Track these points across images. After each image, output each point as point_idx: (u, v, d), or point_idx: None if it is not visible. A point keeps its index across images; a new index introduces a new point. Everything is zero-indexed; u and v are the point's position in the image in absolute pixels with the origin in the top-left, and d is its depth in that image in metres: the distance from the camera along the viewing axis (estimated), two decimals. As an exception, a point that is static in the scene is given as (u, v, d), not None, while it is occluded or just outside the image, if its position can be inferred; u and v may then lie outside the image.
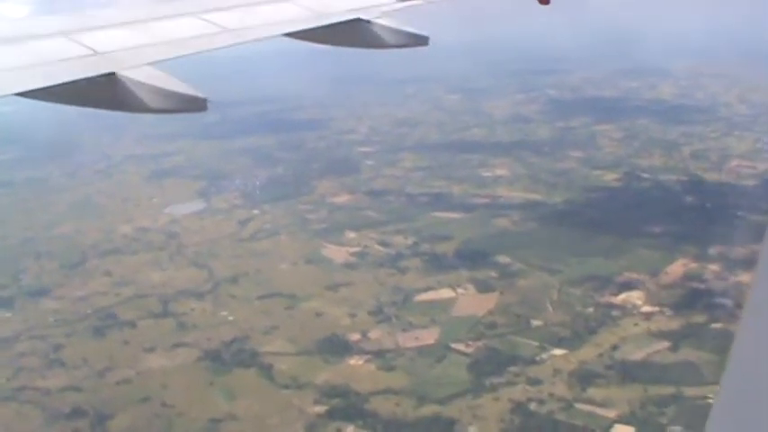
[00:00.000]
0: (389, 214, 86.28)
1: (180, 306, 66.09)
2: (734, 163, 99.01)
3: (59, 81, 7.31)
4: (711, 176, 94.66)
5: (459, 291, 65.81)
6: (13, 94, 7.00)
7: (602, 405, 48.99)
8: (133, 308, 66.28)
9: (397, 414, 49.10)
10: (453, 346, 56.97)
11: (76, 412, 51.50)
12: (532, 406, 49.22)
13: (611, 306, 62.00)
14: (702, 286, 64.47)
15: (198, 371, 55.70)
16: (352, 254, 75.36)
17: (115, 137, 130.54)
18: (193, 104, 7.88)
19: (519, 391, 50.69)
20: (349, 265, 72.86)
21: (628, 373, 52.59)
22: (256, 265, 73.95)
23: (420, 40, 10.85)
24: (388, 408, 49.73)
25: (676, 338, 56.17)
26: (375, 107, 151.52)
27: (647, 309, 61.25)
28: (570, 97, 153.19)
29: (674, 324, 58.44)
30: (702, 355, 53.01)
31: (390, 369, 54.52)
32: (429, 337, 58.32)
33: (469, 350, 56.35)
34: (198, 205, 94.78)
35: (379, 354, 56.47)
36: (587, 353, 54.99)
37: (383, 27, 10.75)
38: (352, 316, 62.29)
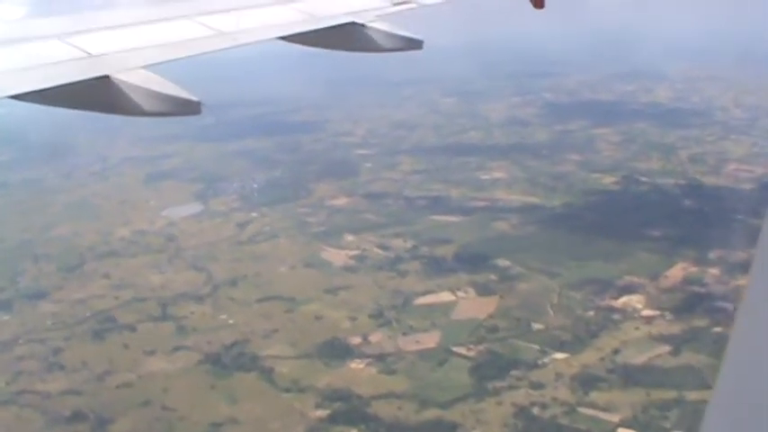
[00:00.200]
0: (388, 217, 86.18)
1: (179, 309, 65.87)
2: (732, 167, 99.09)
3: (53, 84, 7.21)
4: (709, 180, 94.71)
5: (460, 294, 65.70)
6: (6, 97, 6.88)
7: (604, 409, 48.87)
8: (132, 311, 66.04)
9: (399, 418, 48.94)
10: (454, 349, 56.88)
11: (77, 416, 51.29)
12: (535, 410, 49.12)
13: (612, 310, 61.94)
14: (703, 290, 64.43)
15: (199, 374, 55.50)
16: (352, 257, 75.22)
17: (110, 139, 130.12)
18: (188, 108, 7.73)
19: (522, 395, 50.58)
20: (348, 269, 72.73)
21: (630, 376, 52.51)
22: (255, 268, 73.76)
23: (414, 44, 10.70)
24: (390, 412, 49.58)
25: (677, 342, 56.09)
26: (371, 110, 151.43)
27: (647, 312, 61.21)
28: (567, 100, 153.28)
29: (675, 328, 58.38)
30: (704, 360, 52.89)
31: (392, 373, 54.36)
32: (430, 340, 58.19)
33: (471, 354, 56.25)
34: (195, 208, 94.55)
35: (380, 357, 56.32)
36: (589, 357, 54.92)
37: (377, 31, 10.60)
38: (353, 319, 62.15)
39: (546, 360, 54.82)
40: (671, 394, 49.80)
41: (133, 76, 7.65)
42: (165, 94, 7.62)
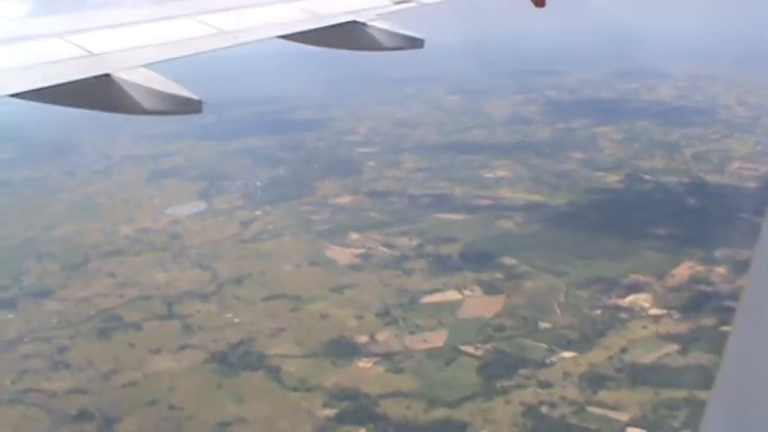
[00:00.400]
0: (392, 215, 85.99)
1: (185, 308, 65.65)
2: (735, 165, 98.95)
3: (54, 82, 7.23)
4: (713, 178, 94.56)
5: (466, 293, 65.47)
6: (8, 96, 6.91)
7: (613, 408, 48.64)
8: (137, 309, 65.81)
9: (407, 417, 48.68)
10: (462, 348, 56.65)
11: (83, 415, 51.01)
12: (544, 409, 48.85)
13: (619, 308, 61.74)
14: (710, 289, 64.21)
15: (205, 373, 55.23)
16: (357, 255, 75.02)
17: (112, 137, 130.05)
18: (189, 106, 7.79)
19: (530, 395, 50.36)
20: (353, 267, 72.53)
21: (638, 376, 52.27)
22: (260, 266, 73.54)
23: (415, 43, 10.76)
24: (399, 411, 49.32)
25: (685, 341, 55.90)
26: (374, 107, 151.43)
27: (654, 311, 60.99)
28: (569, 98, 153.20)
29: (683, 327, 58.17)
30: (712, 359, 52.59)
31: (399, 371, 54.13)
32: (437, 339, 57.96)
33: (478, 353, 56.03)
34: (199, 206, 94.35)
35: (387, 356, 56.07)
36: (597, 356, 54.70)
37: (378, 29, 10.65)
38: (359, 318, 61.93)
39: (554, 359, 54.58)
40: (680, 393, 49.56)
41: (134, 75, 7.70)
42: (167, 92, 7.68)
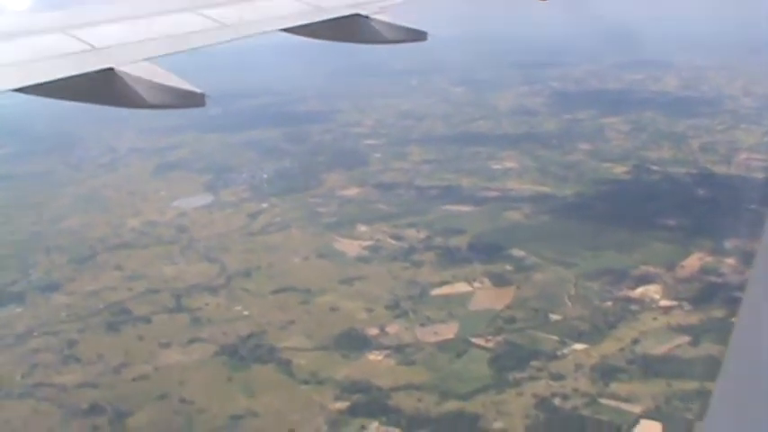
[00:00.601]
0: (400, 207, 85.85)
1: (193, 301, 65.51)
2: (743, 156, 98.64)
3: (57, 77, 7.19)
4: (721, 169, 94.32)
5: (476, 285, 65.30)
6: (11, 90, 6.92)
7: (626, 400, 48.42)
8: (146, 303, 65.67)
9: (420, 410, 48.48)
10: (473, 340, 56.43)
11: (94, 409, 50.79)
12: (557, 401, 48.63)
13: (629, 300, 61.53)
14: (720, 280, 63.96)
15: (216, 366, 55.04)
16: (365, 247, 74.86)
17: (117, 130, 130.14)
18: (192, 100, 7.67)
19: (542, 387, 50.14)
20: (362, 259, 72.36)
21: (650, 367, 52.04)
22: (268, 258, 73.39)
23: (418, 36, 10.67)
24: (411, 403, 49.13)
25: (697, 333, 55.65)
26: (379, 99, 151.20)
27: (665, 303, 60.79)
28: (574, 89, 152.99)
29: (694, 318, 57.93)
30: (724, 350, 51.76)
31: (411, 364, 53.91)
32: (448, 331, 57.76)
33: (490, 345, 55.82)
34: (206, 199, 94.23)
35: (398, 349, 55.89)
36: (608, 347, 54.49)
37: (381, 22, 10.59)
38: (369, 310, 61.74)
39: (565, 351, 54.37)
40: (692, 385, 49.31)
41: (137, 69, 7.65)
42: (169, 86, 7.61)
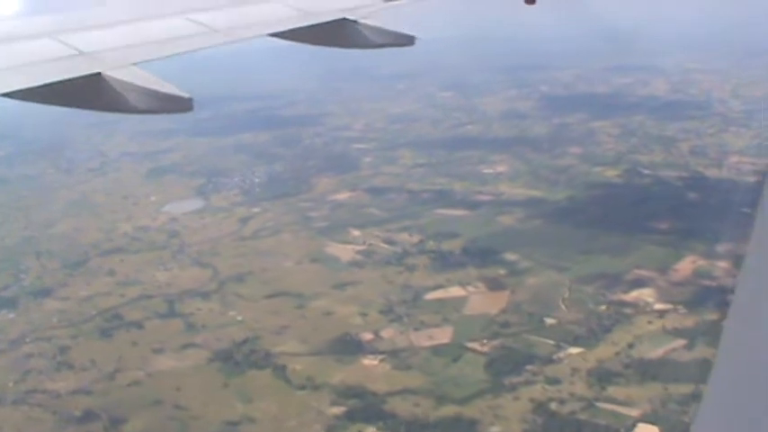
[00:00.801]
0: (392, 212, 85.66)
1: (186, 306, 65.19)
2: (734, 159, 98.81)
3: (45, 81, 7.27)
4: (712, 173, 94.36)
5: (470, 289, 65.19)
6: None
7: (623, 404, 48.45)
8: (139, 308, 65.32)
9: (417, 415, 48.36)
10: (468, 345, 56.33)
11: (88, 416, 50.53)
12: (553, 406, 48.61)
13: (624, 304, 61.55)
14: (714, 283, 64.01)
15: (210, 372, 54.79)
16: (358, 252, 74.63)
17: (106, 134, 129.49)
18: (179, 104, 7.76)
19: (539, 391, 50.10)
20: (355, 264, 72.15)
21: (646, 371, 52.07)
22: (261, 263, 73.12)
23: (406, 40, 10.81)
24: (408, 408, 49.01)
25: (692, 336, 55.68)
26: (367, 103, 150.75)
27: (659, 306, 60.83)
28: (563, 93, 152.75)
29: (689, 322, 57.96)
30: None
31: (406, 369, 53.79)
32: (443, 335, 57.68)
33: (485, 349, 55.74)
34: (197, 203, 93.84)
35: (393, 353, 55.76)
36: (604, 351, 54.48)
37: (369, 27, 10.69)
38: (363, 315, 61.55)
39: (561, 355, 54.33)
40: (689, 388, 49.33)
41: (125, 74, 7.74)
42: (157, 90, 7.68)
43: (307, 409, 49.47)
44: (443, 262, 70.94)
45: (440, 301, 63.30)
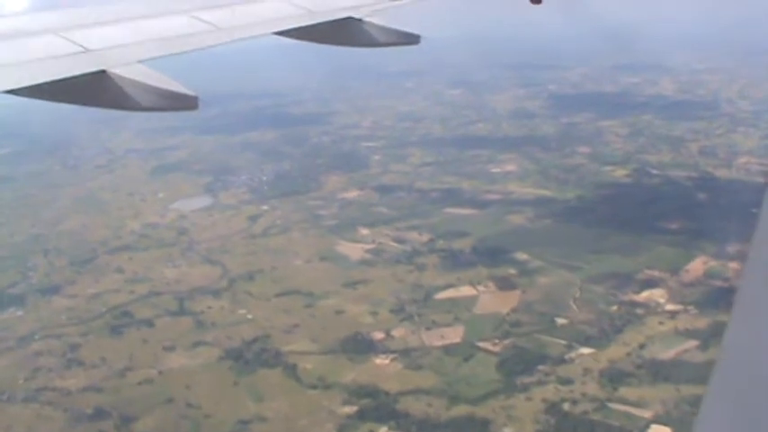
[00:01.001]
0: (401, 210, 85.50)
1: (196, 304, 64.99)
2: (743, 159, 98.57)
3: (49, 79, 7.21)
4: (722, 173, 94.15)
5: (480, 288, 64.97)
6: (2, 92, 6.96)
7: (636, 405, 48.17)
8: (149, 306, 65.16)
9: (429, 414, 48.13)
10: (480, 344, 56.08)
11: (99, 414, 50.32)
12: (566, 406, 48.35)
13: (635, 304, 61.31)
14: (725, 284, 63.70)
15: (221, 371, 54.59)
16: (368, 250, 74.46)
17: (112, 131, 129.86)
18: (184, 102, 7.73)
19: (551, 391, 49.85)
20: (365, 262, 71.97)
21: (658, 372, 51.81)
22: (271, 261, 72.93)
23: (411, 39, 10.80)
24: (420, 408, 48.77)
25: (704, 337, 55.36)
26: (375, 101, 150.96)
27: (671, 307, 60.60)
28: (572, 92, 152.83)
29: (701, 323, 57.70)
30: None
31: (418, 368, 53.57)
32: (454, 335, 57.44)
33: (497, 349, 55.49)
34: (205, 201, 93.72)
35: (404, 353, 55.52)
36: (616, 352, 54.21)
37: (374, 26, 10.67)
38: (374, 314, 61.35)
39: (572, 355, 54.09)
40: (702, 390, 48.68)
41: (130, 71, 7.68)
42: (162, 88, 7.63)
43: (318, 409, 49.25)
44: (453, 261, 70.74)
45: (451, 300, 63.06)
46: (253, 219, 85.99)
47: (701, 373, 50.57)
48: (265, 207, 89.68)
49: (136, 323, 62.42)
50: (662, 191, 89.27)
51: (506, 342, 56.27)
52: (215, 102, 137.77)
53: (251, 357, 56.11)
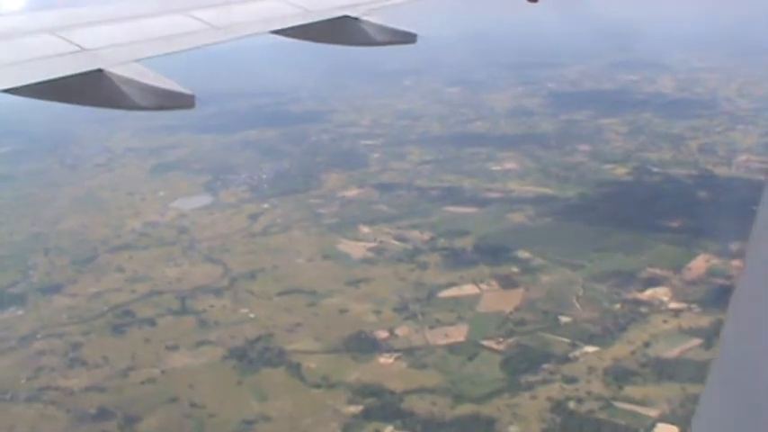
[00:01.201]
0: (402, 208, 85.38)
1: (198, 303, 64.76)
2: (743, 157, 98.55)
3: (46, 78, 7.20)
4: (722, 171, 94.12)
5: (483, 287, 64.81)
6: None
7: (641, 404, 48.04)
8: (150, 305, 64.91)
9: (434, 413, 47.95)
10: (484, 343, 55.94)
11: (103, 413, 50.05)
12: (572, 405, 48.22)
13: (638, 302, 61.23)
14: (728, 282, 63.54)
15: (224, 370, 54.36)
16: (369, 249, 74.33)
17: (110, 130, 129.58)
18: (181, 101, 7.71)
19: (556, 390, 49.71)
20: (367, 261, 71.81)
21: (663, 370, 51.67)
22: (272, 260, 72.72)
23: (407, 38, 10.73)
24: (425, 407, 48.58)
25: (708, 335, 55.23)
26: (373, 100, 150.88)
27: (674, 305, 60.49)
28: (570, 90, 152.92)
29: (704, 321, 57.55)
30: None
31: (422, 367, 53.39)
32: (458, 334, 57.26)
33: (501, 347, 55.34)
34: (205, 199, 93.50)
35: (408, 351, 55.35)
36: (620, 350, 54.10)
37: (371, 24, 10.62)
38: (377, 312, 61.21)
39: (577, 353, 53.94)
40: (706, 389, 48.90)
41: (126, 70, 7.66)
42: (158, 87, 7.62)
43: (323, 408, 49.06)
44: (455, 259, 70.62)
45: (454, 298, 62.92)
46: (253, 217, 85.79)
47: (705, 372, 50.28)
48: (266, 205, 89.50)
49: (138, 322, 62.18)
50: (662, 189, 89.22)
51: (510, 341, 56.13)
52: (212, 100, 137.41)
53: (254, 356, 55.90)
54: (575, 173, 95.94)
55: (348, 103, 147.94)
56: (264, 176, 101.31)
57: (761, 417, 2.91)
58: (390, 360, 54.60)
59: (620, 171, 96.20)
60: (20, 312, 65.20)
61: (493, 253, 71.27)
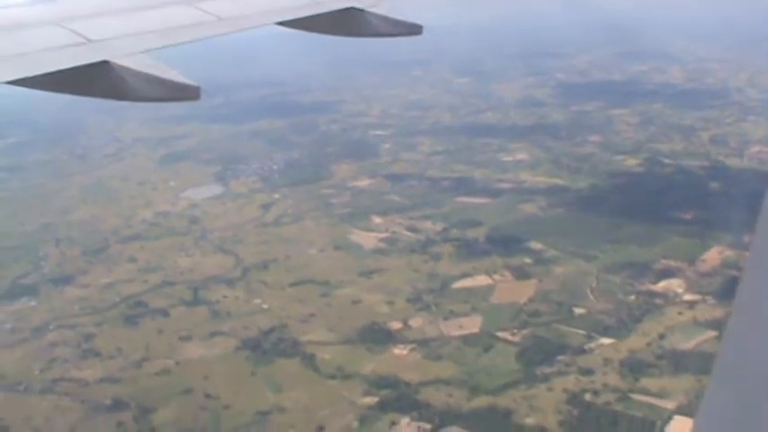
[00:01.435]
0: (414, 199, 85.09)
1: (211, 293, 64.65)
2: (755, 149, 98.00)
3: (52, 69, 7.23)
4: (734, 162, 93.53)
5: (497, 278, 64.58)
6: (5, 83, 6.94)
7: (658, 396, 47.76)
8: (163, 295, 64.81)
9: (450, 405, 47.76)
10: (498, 334, 55.72)
11: (118, 405, 49.97)
12: (588, 396, 48.00)
13: (653, 294, 60.94)
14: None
15: (238, 361, 54.21)
16: (381, 239, 74.08)
17: (118, 120, 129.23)
18: (187, 93, 7.79)
19: (572, 382, 49.50)
20: (379, 251, 71.59)
21: (679, 362, 51.39)
22: (284, 250, 72.55)
23: (413, 29, 10.82)
24: (441, 398, 48.39)
25: (723, 328, 54.87)
26: (382, 90, 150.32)
27: (689, 297, 60.20)
28: (580, 81, 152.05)
29: (719, 313, 57.18)
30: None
31: (437, 358, 53.18)
32: (473, 325, 57.06)
33: (516, 339, 55.11)
34: (216, 189, 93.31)
35: (423, 343, 55.16)
36: (635, 342, 53.84)
37: (377, 16, 10.71)
38: (390, 303, 61.02)
39: (592, 345, 53.72)
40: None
41: (132, 62, 7.74)
42: (164, 78, 7.67)
43: (338, 399, 48.90)
44: (468, 250, 70.36)
45: (467, 289, 62.71)
46: (265, 207, 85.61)
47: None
48: (277, 195, 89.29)
49: (150, 313, 62.10)
50: (674, 180, 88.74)
51: (525, 332, 55.93)
52: (220, 91, 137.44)
53: (268, 347, 55.75)
54: (586, 164, 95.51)
55: (357, 94, 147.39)
56: (275, 166, 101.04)
57: (763, 413, 2.92)
58: (405, 351, 54.39)
59: (632, 162, 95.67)
60: (32, 303, 65.10)
61: (505, 244, 70.99)
